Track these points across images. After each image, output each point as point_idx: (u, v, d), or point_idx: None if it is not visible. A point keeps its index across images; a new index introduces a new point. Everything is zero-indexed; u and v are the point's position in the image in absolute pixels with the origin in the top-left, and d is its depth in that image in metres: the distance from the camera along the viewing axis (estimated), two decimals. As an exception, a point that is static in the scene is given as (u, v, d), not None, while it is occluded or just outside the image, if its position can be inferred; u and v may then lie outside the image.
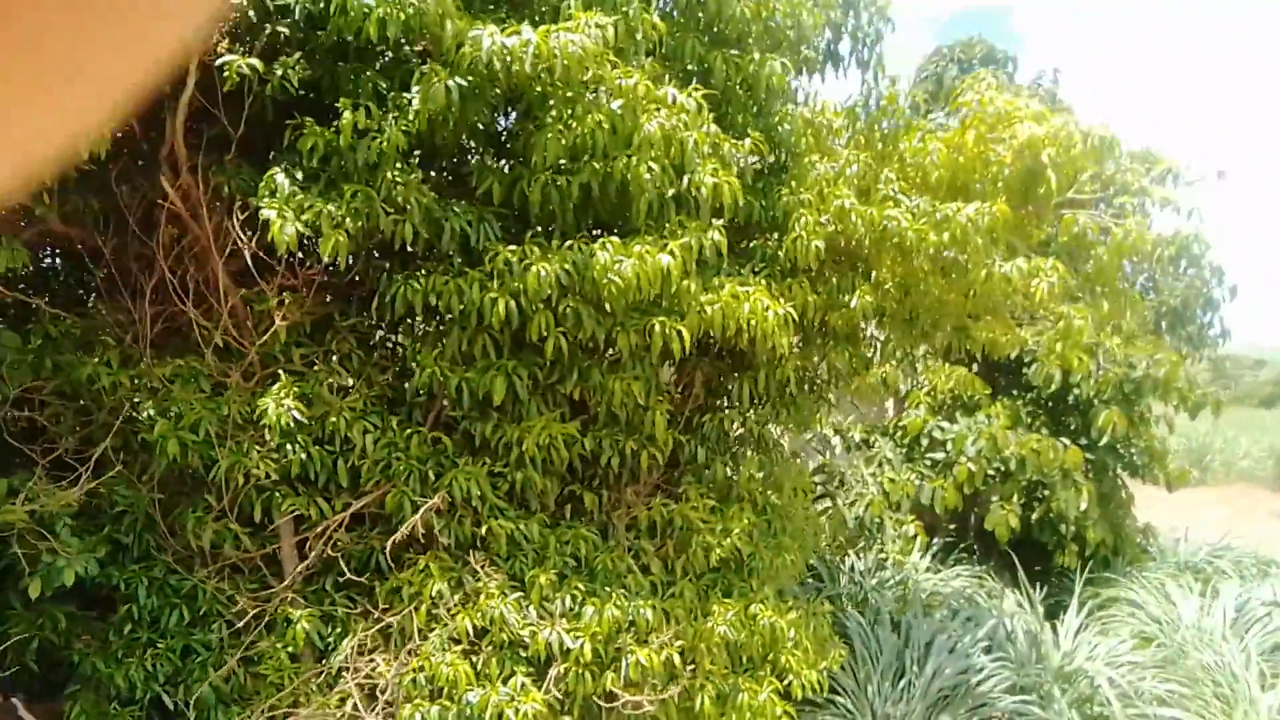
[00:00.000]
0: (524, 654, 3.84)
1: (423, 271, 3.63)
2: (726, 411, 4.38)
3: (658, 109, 3.43)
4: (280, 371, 3.77)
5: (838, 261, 4.39)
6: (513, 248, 3.45)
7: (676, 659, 3.93)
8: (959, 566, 7.82)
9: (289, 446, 3.82)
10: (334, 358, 3.95)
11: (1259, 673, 5.57)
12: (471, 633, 3.83)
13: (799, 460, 7.14)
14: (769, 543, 4.82)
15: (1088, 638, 5.82)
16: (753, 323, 3.73)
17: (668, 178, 3.54)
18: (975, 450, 7.40)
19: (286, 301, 3.70)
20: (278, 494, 3.94)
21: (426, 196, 3.43)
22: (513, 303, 3.47)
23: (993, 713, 5.07)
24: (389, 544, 3.76)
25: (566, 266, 3.39)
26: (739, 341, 3.97)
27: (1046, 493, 7.71)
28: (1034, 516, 7.85)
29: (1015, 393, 8.42)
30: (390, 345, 4.10)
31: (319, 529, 3.99)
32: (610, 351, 3.89)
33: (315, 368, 3.93)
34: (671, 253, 3.39)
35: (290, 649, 4.01)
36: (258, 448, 3.79)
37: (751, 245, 4.19)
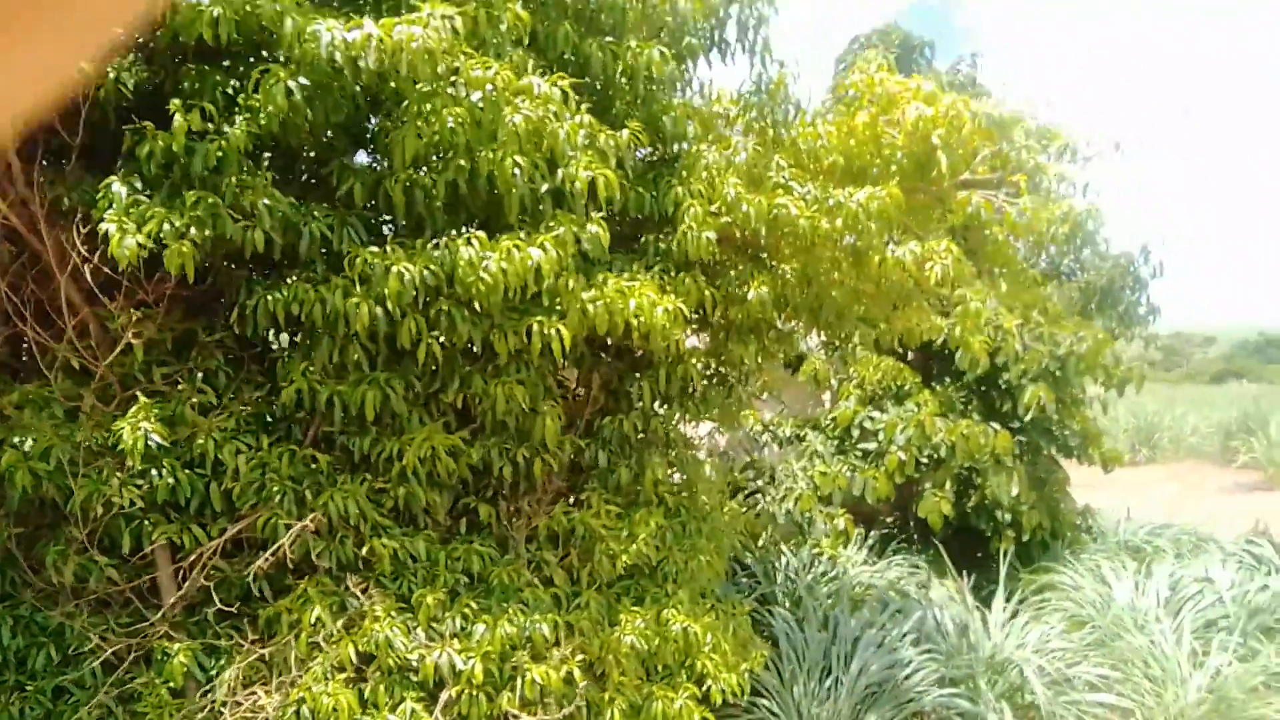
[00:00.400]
0: (414, 679, 3.65)
1: (286, 280, 3.43)
2: (629, 413, 4.21)
3: (522, 100, 3.26)
4: (138, 393, 3.54)
5: (737, 253, 4.25)
6: (374, 249, 3.26)
7: (578, 673, 3.76)
8: (897, 558, 7.75)
9: (154, 472, 3.60)
10: (199, 375, 3.72)
11: (1190, 651, 5.53)
12: (356, 659, 3.64)
13: (725, 459, 7.03)
14: (683, 545, 4.68)
15: (1018, 625, 5.74)
16: (640, 319, 3.57)
17: (539, 172, 3.37)
18: (905, 439, 7.33)
19: (136, 318, 3.46)
20: (147, 522, 3.71)
21: (279, 200, 3.22)
22: (378, 308, 3.27)
23: (920, 707, 4.97)
24: (252, 570, 3.54)
25: (432, 266, 3.20)
26: (633, 340, 3.81)
27: (980, 479, 7.67)
28: (969, 504, 7.80)
29: (948, 380, 8.38)
30: (262, 360, 3.88)
31: (193, 557, 3.76)
32: (497, 356, 3.71)
33: (179, 387, 3.71)
34: (542, 247, 3.21)
35: (170, 684, 3.79)
36: (118, 475, 3.56)
37: (644, 240, 4.03)
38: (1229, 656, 5.56)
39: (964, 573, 7.92)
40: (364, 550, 3.65)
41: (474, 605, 3.70)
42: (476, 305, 3.37)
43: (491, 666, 3.63)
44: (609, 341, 4.00)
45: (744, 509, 7.34)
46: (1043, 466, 8.04)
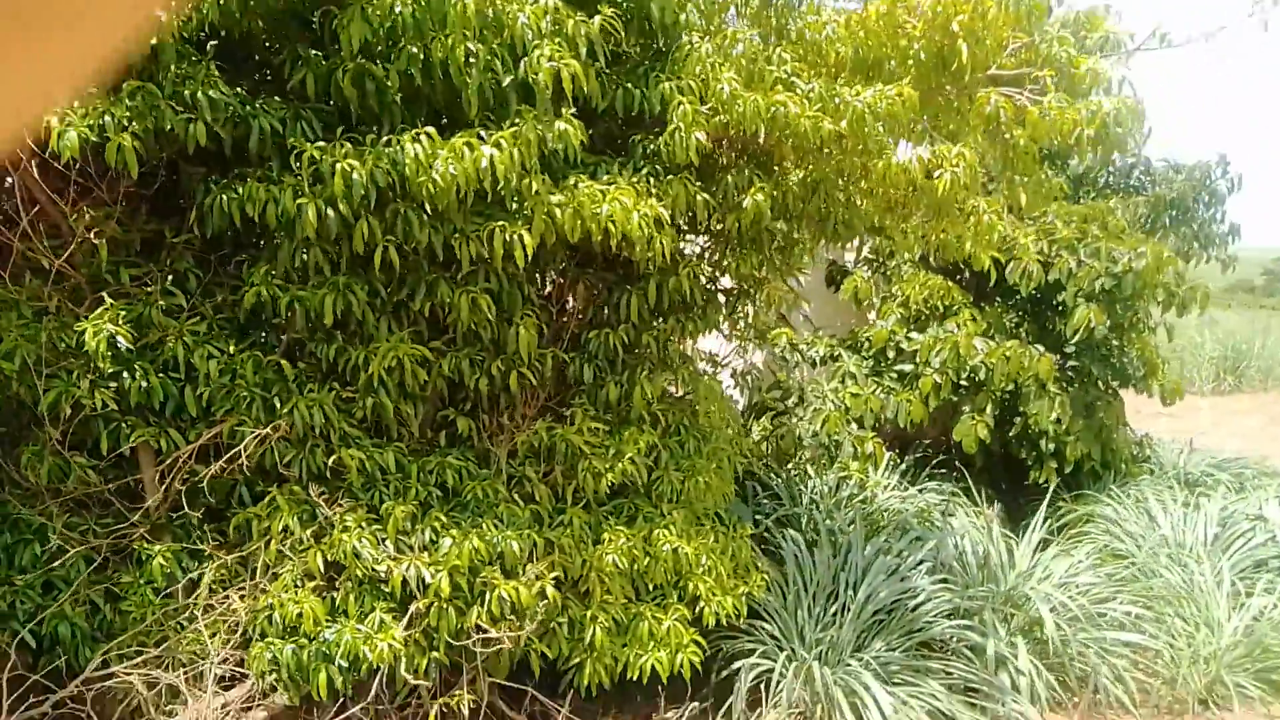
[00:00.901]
0: (384, 589, 3.59)
1: (243, 179, 3.27)
2: (617, 327, 4.00)
3: (479, -21, 2.98)
4: (105, 295, 3.46)
5: (736, 156, 3.94)
6: (322, 145, 3.07)
7: (550, 591, 3.66)
8: (932, 484, 7.46)
9: (126, 374, 3.54)
10: (169, 278, 3.63)
11: (1230, 591, 5.20)
12: (326, 569, 3.59)
13: (751, 378, 6.78)
14: (681, 465, 4.51)
15: (1047, 557, 5.46)
16: (616, 225, 3.33)
17: (500, 62, 3.10)
18: (940, 361, 6.96)
19: (95, 217, 3.36)
20: (124, 425, 3.69)
21: (223, 92, 3.04)
22: (329, 210, 3.10)
23: (928, 637, 4.77)
24: (205, 476, 3.48)
25: (382, 165, 3.00)
26: (617, 248, 3.57)
27: (1023, 405, 7.28)
28: (1012, 431, 7.44)
29: (1000, 299, 7.92)
30: (230, 262, 3.76)
31: (169, 461, 3.74)
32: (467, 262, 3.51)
33: (148, 289, 3.62)
34: (498, 145, 2.98)
35: (153, 583, 3.81)
36: (89, 377, 3.51)
37: (633, 141, 3.75)
38: (1274, 599, 5.22)
39: (1000, 502, 7.64)
40: (331, 460, 3.56)
41: (444, 519, 3.61)
42: (434, 208, 3.16)
43: (460, 580, 3.55)
44: (595, 250, 3.77)
45: (771, 429, 7.13)
46: (1093, 393, 7.59)
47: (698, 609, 4.31)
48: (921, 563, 5.20)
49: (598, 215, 3.28)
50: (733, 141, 3.81)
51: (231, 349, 3.56)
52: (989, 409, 7.23)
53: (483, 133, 3.05)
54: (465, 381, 3.75)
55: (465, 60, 2.96)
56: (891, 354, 7.38)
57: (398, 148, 2.99)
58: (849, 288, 7.42)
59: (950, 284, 7.53)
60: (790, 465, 7.23)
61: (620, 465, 4.00)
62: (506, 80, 3.13)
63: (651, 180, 3.62)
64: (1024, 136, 3.51)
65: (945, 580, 5.10)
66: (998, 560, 5.33)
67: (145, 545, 3.78)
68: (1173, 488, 7.85)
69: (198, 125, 3.02)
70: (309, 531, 3.60)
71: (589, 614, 3.96)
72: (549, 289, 3.99)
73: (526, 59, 3.10)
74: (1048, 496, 6.30)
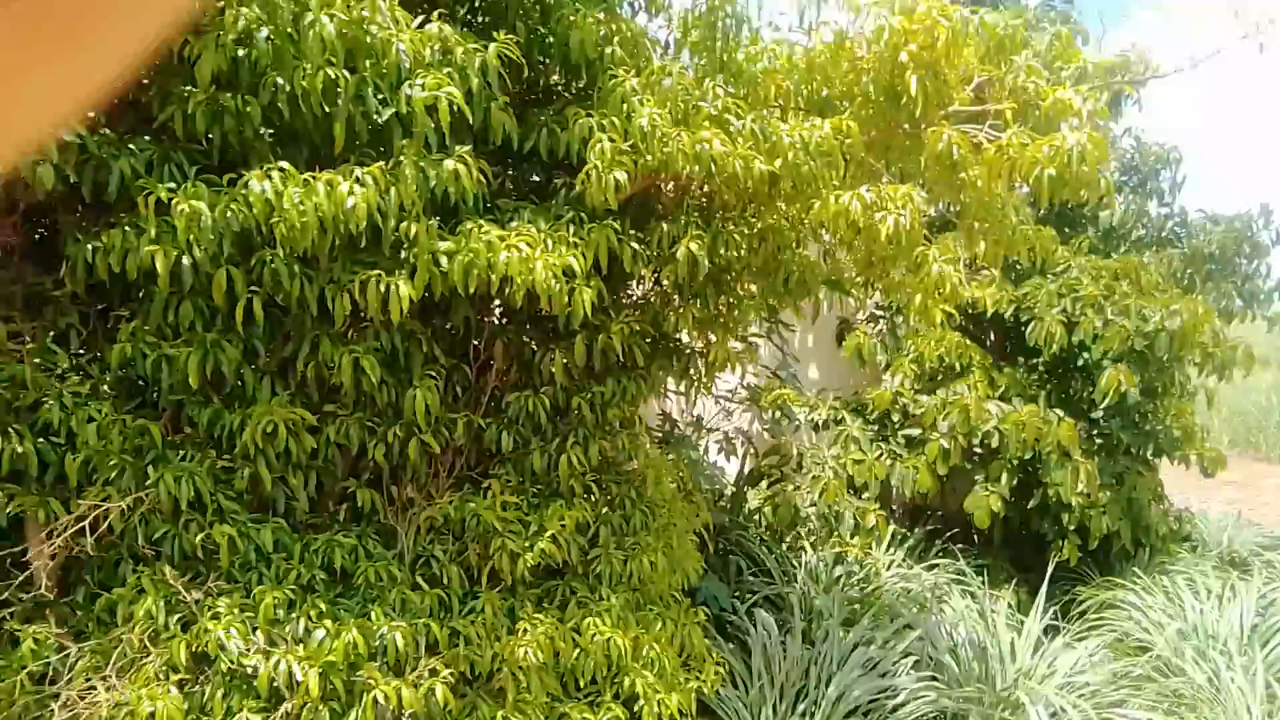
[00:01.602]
0: (255, 687, 3.19)
1: (111, 226, 2.97)
2: (541, 389, 3.60)
3: (346, 4, 2.67)
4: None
5: (673, 202, 3.56)
6: (172, 186, 2.75)
7: (442, 691, 3.22)
8: (944, 561, 6.86)
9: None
10: (50, 335, 3.34)
11: (1264, 694, 4.54)
12: (193, 661, 3.21)
13: (741, 442, 6.32)
14: (625, 543, 4.07)
15: (1054, 650, 4.86)
16: (524, 277, 2.96)
17: (375, 92, 2.78)
18: (948, 425, 6.42)
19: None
20: (1, 493, 3.38)
21: (79, 133, 2.75)
22: (184, 257, 2.78)
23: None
24: (73, 552, 3.14)
25: (235, 208, 2.67)
26: (531, 301, 3.20)
27: (1043, 475, 6.68)
28: (1031, 503, 6.82)
29: (1023, 359, 7.36)
30: (113, 318, 3.46)
31: (47, 532, 3.41)
32: (355, 318, 3.17)
33: (27, 346, 3.33)
34: (360, 183, 2.63)
35: (26, 668, 3.46)
36: (-46, 441, 3.22)
37: (554, 185, 3.39)
38: (1319, 707, 4.54)
39: (1020, 582, 7.00)
40: (198, 538, 3.19)
41: (323, 606, 3.20)
42: (306, 256, 2.82)
43: (336, 679, 3.13)
44: (515, 304, 3.39)
45: (767, 498, 6.63)
46: (1123, 463, 6.95)
47: (637, 707, 3.83)
48: (908, 654, 4.64)
49: (495, 265, 2.91)
50: (668, 186, 3.43)
51: (106, 411, 3.24)
52: (1004, 479, 6.65)
53: (359, 171, 2.71)
54: (367, 450, 3.38)
55: (326, 90, 2.64)
56: (897, 418, 6.85)
57: (250, 189, 2.67)
58: (851, 345, 6.94)
59: (969, 342, 7.01)
60: (787, 539, 6.71)
61: (540, 544, 3.56)
62: (387, 114, 2.80)
63: (572, 228, 3.25)
64: (980, 177, 3.07)
65: (934, 677, 4.53)
66: (996, 653, 4.74)
67: (20, 626, 3.44)
68: (1215, 568, 7.16)
69: (45, 168, 2.73)
70: (175, 619, 3.22)
71: (499, 715, 3.50)
72: (469, 348, 3.61)
73: (404, 89, 2.76)
74: (1047, 577, 5.69)
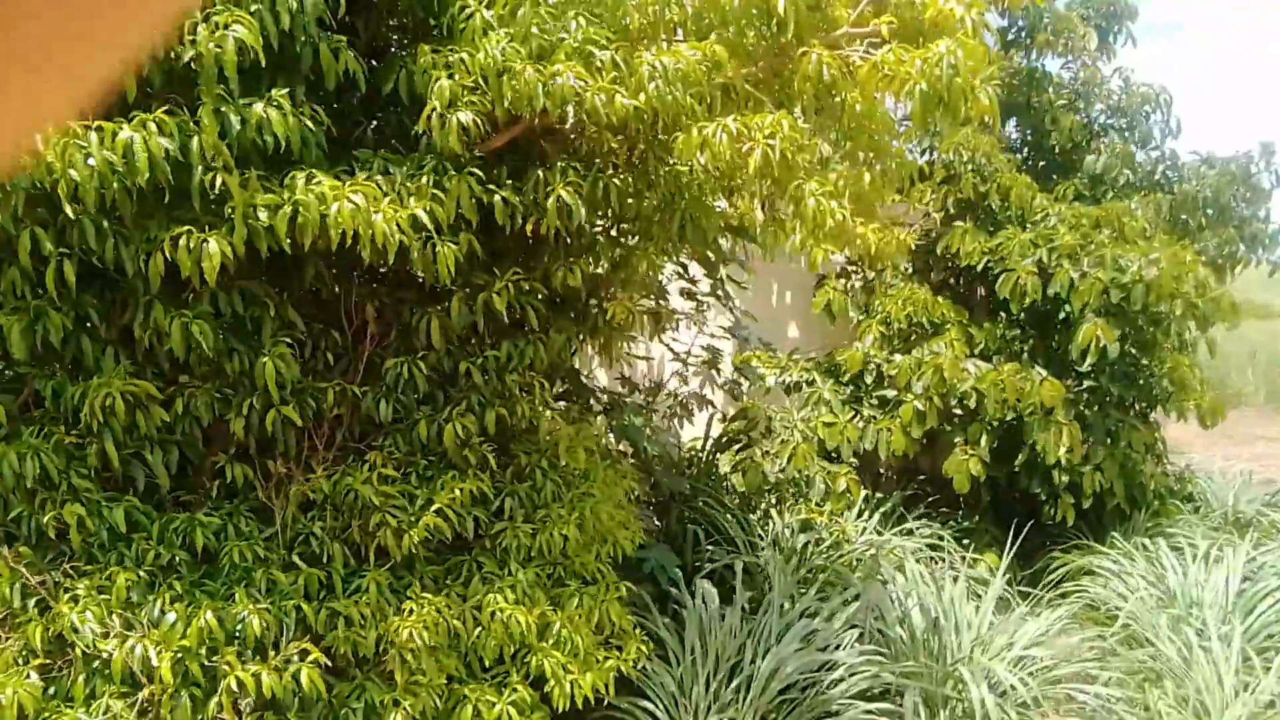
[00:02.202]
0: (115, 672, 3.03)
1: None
2: (418, 354, 3.38)
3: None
4: None
5: (557, 147, 3.30)
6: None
7: (309, 675, 3.03)
8: (931, 524, 6.55)
9: None
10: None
11: (1239, 666, 4.22)
12: (54, 645, 3.05)
13: (699, 407, 6.07)
14: (535, 516, 3.85)
15: (1014, 619, 4.57)
16: (371, 231, 2.73)
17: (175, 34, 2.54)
18: (922, 386, 6.10)
19: None
20: None
21: None
22: (-20, 218, 2.58)
23: (845, 723, 3.97)
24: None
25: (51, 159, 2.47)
26: (402, 260, 2.97)
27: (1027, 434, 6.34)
28: (1017, 462, 6.49)
29: (1003, 315, 7.00)
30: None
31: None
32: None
33: None
34: (145, 128, 2.41)
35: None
36: None
37: (415, 133, 3.14)
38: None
39: (1009, 545, 6.68)
40: (47, 518, 3.02)
41: (179, 588, 3.03)
42: (115, 213, 2.61)
43: (193, 664, 2.96)
44: (375, 263, 3.16)
45: (734, 464, 6.37)
46: (1115, 417, 6.59)
47: (547, 688, 3.63)
48: (853, 626, 4.38)
49: (327, 218, 2.68)
50: (539, 128, 3.16)
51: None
52: (984, 441, 6.33)
53: (149, 119, 2.49)
54: (230, 424, 3.19)
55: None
56: (870, 379, 6.55)
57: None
58: (820, 301, 6.64)
59: (939, 299, 6.67)
60: (761, 506, 6.46)
61: (425, 519, 3.35)
62: (187, 56, 2.57)
63: (432, 178, 3.01)
64: (857, 100, 2.77)
65: (879, 650, 4.27)
66: (951, 624, 4.46)
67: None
68: (1217, 529, 6.79)
69: None
70: (33, 601, 3.07)
71: (389, 699, 3.32)
72: (342, 312, 3.39)
73: (203, 26, 2.53)
74: (1016, 542, 5.37)
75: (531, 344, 3.65)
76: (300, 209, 2.67)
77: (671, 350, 6.24)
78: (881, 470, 7.50)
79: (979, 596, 5.77)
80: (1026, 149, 7.56)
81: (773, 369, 6.77)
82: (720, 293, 5.34)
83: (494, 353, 3.58)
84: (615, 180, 3.20)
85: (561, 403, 4.30)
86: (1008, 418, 6.22)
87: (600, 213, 3.31)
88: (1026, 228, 6.55)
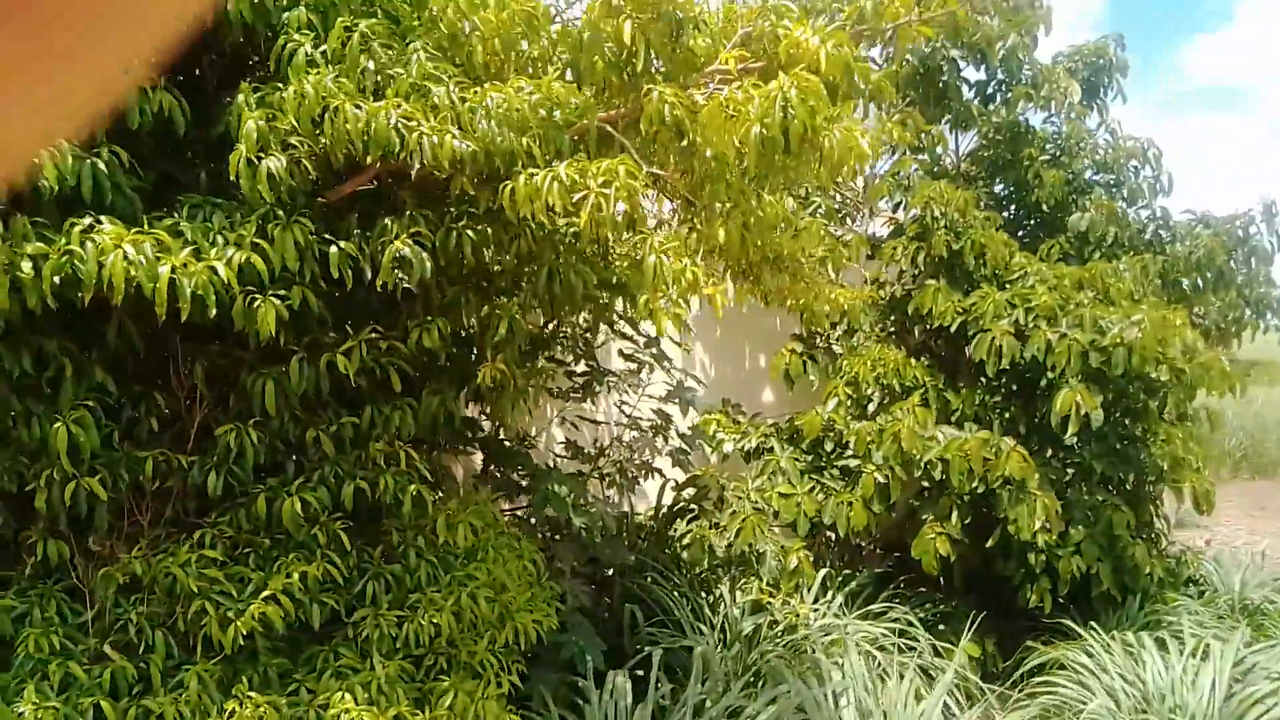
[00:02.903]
0: None
1: None
2: (264, 421, 3.05)
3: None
4: None
5: (410, 192, 2.99)
6: None
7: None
8: (903, 607, 6.04)
9: None
10: None
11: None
12: None
13: (638, 474, 5.68)
14: (406, 600, 3.48)
15: (963, 725, 4.08)
16: (150, 285, 2.43)
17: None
18: (882, 455, 5.66)
19: None
20: None
21: None
22: None
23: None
24: None
25: None
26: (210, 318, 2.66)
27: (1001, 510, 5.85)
28: (991, 541, 5.99)
29: (984, 380, 6.55)
30: None
31: None
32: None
33: None
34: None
35: None
36: None
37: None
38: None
39: (987, 632, 6.15)
40: None
41: (-50, 685, 2.68)
42: None
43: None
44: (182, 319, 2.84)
45: (683, 537, 5.94)
46: (1099, 495, 6.08)
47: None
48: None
49: (105, 269, 2.37)
50: (390, 174, 2.86)
51: None
52: (955, 516, 5.85)
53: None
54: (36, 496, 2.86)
55: None
56: (831, 446, 6.11)
57: None
58: (778, 364, 6.25)
59: (913, 361, 6.25)
60: (722, 584, 6.00)
61: (254, 607, 2.99)
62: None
63: (256, 226, 2.71)
64: (708, 143, 2.43)
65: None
66: (888, 729, 3.98)
67: None
68: (1222, 618, 6.23)
69: None
70: None
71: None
72: (170, 373, 3.07)
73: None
74: (967, 629, 4.87)
75: (399, 409, 3.32)
76: (75, 260, 2.37)
77: (623, 413, 5.88)
78: (861, 545, 7.02)
79: (969, 694, 5.28)
80: (1014, 206, 7.18)
81: (732, 434, 6.38)
82: (654, 353, 4.98)
83: (350, 419, 3.25)
84: (470, 231, 2.87)
85: (494, 480, 3.94)
86: (978, 490, 5.74)
87: (457, 267, 2.98)
88: (1005, 287, 6.14)
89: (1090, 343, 5.49)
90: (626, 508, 6.17)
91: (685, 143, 2.47)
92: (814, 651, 4.98)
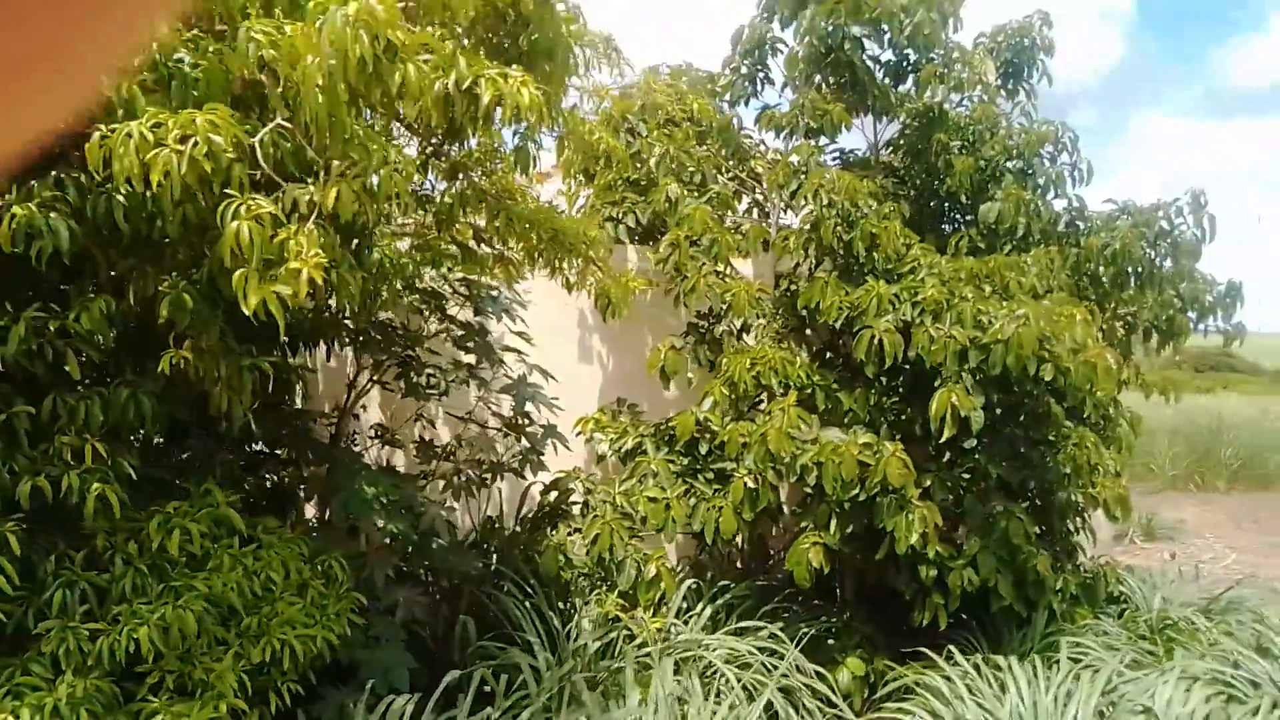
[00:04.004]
0: None
1: None
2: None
3: None
4: None
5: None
6: None
7: None
8: (771, 621, 5.62)
9: None
10: None
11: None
12: None
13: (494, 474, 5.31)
14: (115, 612, 3.13)
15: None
16: None
17: None
18: (753, 459, 5.25)
19: None
20: None
21: None
22: None
23: None
24: None
25: None
26: None
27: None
28: (879, 553, 5.56)
29: (885, 379, 6.11)
30: None
31: None
32: None
33: None
34: None
35: None
36: None
37: None
38: None
39: (875, 651, 5.71)
40: None
41: None
42: None
43: None
44: None
45: (541, 543, 5.55)
46: (995, 503, 5.64)
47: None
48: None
49: None
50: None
51: None
52: (833, 525, 5.43)
53: None
54: None
55: None
56: (705, 448, 5.71)
57: None
58: (654, 360, 5.85)
59: (799, 358, 5.83)
60: (592, 597, 5.61)
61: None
62: None
63: None
64: (299, 81, 2.03)
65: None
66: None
67: None
68: (1129, 640, 5.77)
69: None
70: None
71: None
72: None
73: None
74: (793, 644, 4.45)
75: (86, 400, 2.96)
76: None
77: (467, 414, 5.50)
78: (753, 555, 6.60)
79: (809, 713, 4.88)
80: (927, 197, 6.74)
81: (611, 434, 5.99)
82: (478, 343, 4.60)
83: (24, 408, 2.89)
84: (120, 197, 2.51)
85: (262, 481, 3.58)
86: (859, 497, 5.31)
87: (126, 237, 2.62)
88: (897, 281, 5.72)
89: (972, 340, 5.05)
90: (491, 511, 5.79)
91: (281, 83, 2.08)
92: (642, 670, 4.58)
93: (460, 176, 3.13)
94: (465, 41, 2.59)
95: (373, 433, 5.48)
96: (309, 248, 2.01)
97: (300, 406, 5.34)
